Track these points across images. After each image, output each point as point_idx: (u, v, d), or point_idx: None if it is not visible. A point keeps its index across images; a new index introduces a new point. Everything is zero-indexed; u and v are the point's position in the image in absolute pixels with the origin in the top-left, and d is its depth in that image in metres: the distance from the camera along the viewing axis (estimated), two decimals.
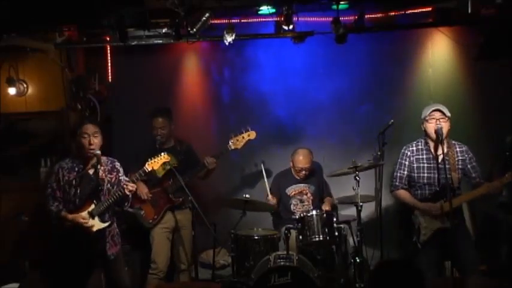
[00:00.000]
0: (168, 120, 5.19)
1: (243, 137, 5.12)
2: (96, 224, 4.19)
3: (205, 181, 5.39)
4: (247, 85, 6.06)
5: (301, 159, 5.35)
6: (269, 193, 5.39)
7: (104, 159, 4.32)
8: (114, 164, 4.40)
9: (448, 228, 4.12)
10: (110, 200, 4.23)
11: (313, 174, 5.50)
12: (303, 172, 5.37)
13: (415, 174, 4.43)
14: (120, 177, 4.39)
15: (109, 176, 4.32)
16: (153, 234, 5.15)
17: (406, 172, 4.46)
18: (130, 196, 4.33)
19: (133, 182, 4.32)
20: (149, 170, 4.45)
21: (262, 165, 5.57)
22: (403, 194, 4.47)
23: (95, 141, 4.21)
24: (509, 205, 5.21)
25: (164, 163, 4.89)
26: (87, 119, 4.31)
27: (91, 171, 4.27)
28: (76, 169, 4.27)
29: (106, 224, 4.24)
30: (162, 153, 4.52)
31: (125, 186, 4.23)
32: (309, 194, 5.41)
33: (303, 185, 5.44)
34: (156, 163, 4.48)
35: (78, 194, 4.22)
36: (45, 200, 4.29)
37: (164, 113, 5.18)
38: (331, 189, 5.65)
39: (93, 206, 4.21)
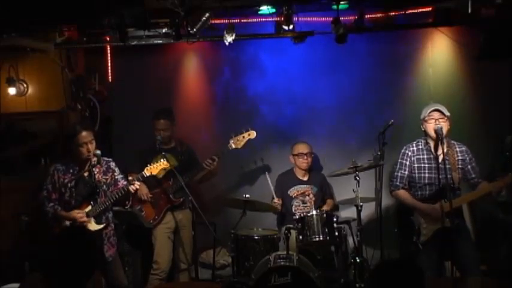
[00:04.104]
0: (170, 122, 5.19)
1: (244, 137, 5.12)
2: (92, 226, 4.19)
3: (203, 183, 5.40)
4: (247, 85, 6.05)
5: (301, 146, 5.43)
6: (275, 196, 5.38)
7: None
8: (109, 165, 4.42)
9: (448, 228, 4.12)
10: (108, 202, 4.25)
11: (316, 174, 5.52)
12: (306, 159, 5.37)
13: (416, 175, 4.43)
14: (117, 177, 4.42)
15: (104, 177, 4.34)
16: (156, 234, 5.16)
17: (406, 172, 4.46)
18: (130, 195, 4.36)
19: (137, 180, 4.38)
20: (147, 175, 4.50)
21: (267, 175, 5.52)
22: (403, 194, 4.47)
23: (92, 148, 4.26)
24: (509, 205, 5.21)
25: None
26: (80, 125, 4.31)
27: (87, 174, 4.29)
28: (71, 171, 4.28)
29: (101, 226, 4.25)
30: (162, 160, 4.55)
31: (129, 185, 4.27)
32: (311, 195, 5.42)
33: (305, 186, 5.44)
34: (155, 168, 4.52)
35: (74, 195, 4.24)
36: (41, 202, 4.30)
37: (166, 115, 5.17)
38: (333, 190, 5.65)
39: (89, 207, 4.22)
